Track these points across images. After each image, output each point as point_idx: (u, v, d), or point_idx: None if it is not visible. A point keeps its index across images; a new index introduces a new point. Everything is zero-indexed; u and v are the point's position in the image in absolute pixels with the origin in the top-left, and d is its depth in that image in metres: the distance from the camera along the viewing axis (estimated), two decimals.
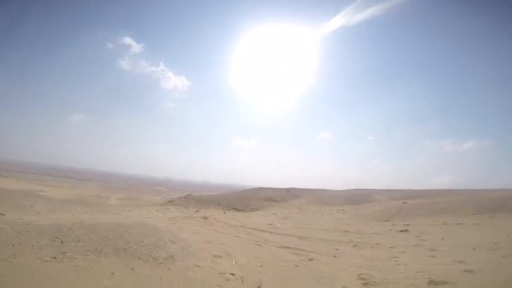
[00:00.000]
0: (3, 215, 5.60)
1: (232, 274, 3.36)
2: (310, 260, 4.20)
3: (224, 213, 11.16)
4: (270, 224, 8.18)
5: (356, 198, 16.90)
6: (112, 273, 2.93)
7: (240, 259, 4.10)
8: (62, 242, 3.70)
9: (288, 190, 21.07)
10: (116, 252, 3.63)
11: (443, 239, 5.26)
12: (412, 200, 13.68)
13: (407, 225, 7.19)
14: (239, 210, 12.70)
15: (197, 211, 11.65)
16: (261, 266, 3.80)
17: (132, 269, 3.16)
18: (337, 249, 4.89)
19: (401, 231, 6.46)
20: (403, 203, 12.71)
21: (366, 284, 3.17)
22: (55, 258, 3.08)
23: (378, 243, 5.22)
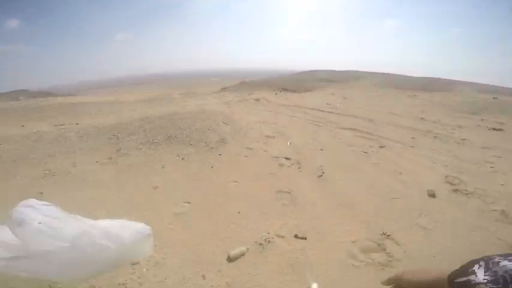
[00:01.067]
0: (78, 123, 6.18)
1: (287, 158, 2.95)
2: (381, 147, 3.44)
3: (276, 94, 10.54)
4: (328, 104, 7.23)
5: (432, 84, 13.48)
6: (162, 167, 2.83)
7: (295, 140, 3.64)
8: (117, 138, 3.76)
9: (347, 72, 18.36)
10: (168, 140, 3.55)
11: None
12: (506, 97, 10.15)
13: (501, 123, 5.32)
14: (291, 91, 11.85)
15: (250, 94, 11.38)
16: (321, 150, 3.26)
17: (183, 158, 3.03)
18: (414, 138, 3.93)
19: (494, 129, 4.78)
20: (494, 98, 9.51)
21: (456, 190, 2.39)
22: (110, 158, 3.11)
23: (465, 139, 3.98)
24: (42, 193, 2.37)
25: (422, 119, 5.62)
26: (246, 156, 3.05)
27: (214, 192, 2.34)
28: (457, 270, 0.49)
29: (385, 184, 2.50)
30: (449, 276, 0.49)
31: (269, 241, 1.72)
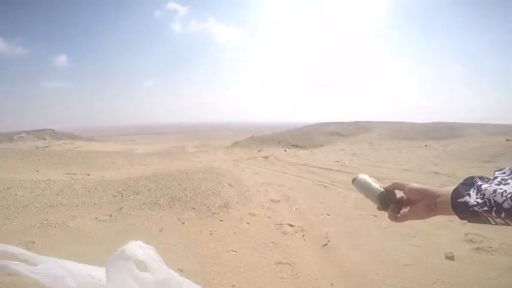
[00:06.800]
0: (89, 175, 6.34)
1: (291, 226, 2.81)
2: None
3: (285, 151, 10.76)
4: (337, 161, 7.25)
5: (442, 132, 13.84)
6: (160, 231, 2.74)
7: (302, 204, 3.53)
8: (122, 196, 3.77)
9: (356, 123, 19.12)
10: (171, 202, 3.50)
11: None
12: None
13: None
14: (301, 147, 12.09)
15: (259, 151, 11.64)
16: (328, 215, 3.13)
17: (183, 223, 2.94)
18: None
19: None
20: (507, 140, 9.66)
21: (477, 249, 2.23)
22: (110, 216, 3.07)
23: None
24: (33, 242, 2.35)
25: (436, 173, 5.46)
26: (248, 223, 2.93)
27: (209, 261, 2.19)
28: (458, 188, 0.53)
29: (395, 250, 2.30)
30: (452, 193, 0.54)
31: None
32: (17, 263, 0.79)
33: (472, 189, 0.51)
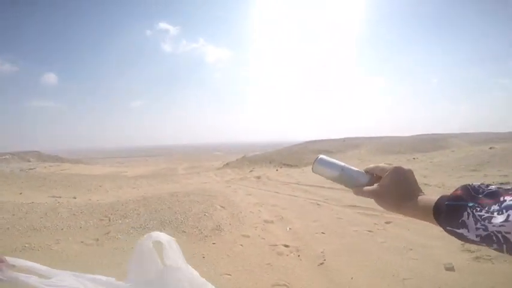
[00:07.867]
0: (75, 198, 6.10)
1: (286, 246, 2.76)
2: (387, 223, 3.29)
3: (277, 170, 10.73)
4: None
5: (427, 144, 14.36)
6: None
7: (296, 224, 3.48)
8: (109, 220, 3.63)
9: (344, 140, 19.53)
10: (161, 226, 3.39)
11: None
12: (502, 145, 10.66)
13: (505, 176, 5.42)
14: (292, 166, 12.12)
15: (251, 171, 11.57)
16: (323, 233, 3.09)
17: None
18: None
19: (501, 184, 4.88)
20: (490, 148, 10.09)
21: (477, 258, 2.24)
22: (97, 240, 2.94)
23: None
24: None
25: (426, 184, 5.49)
26: (241, 245, 2.85)
27: None
28: (447, 214, 0.43)
29: (393, 264, 2.28)
30: (438, 221, 0.45)
31: None
32: (29, 275, 0.76)
33: (466, 213, 0.41)
